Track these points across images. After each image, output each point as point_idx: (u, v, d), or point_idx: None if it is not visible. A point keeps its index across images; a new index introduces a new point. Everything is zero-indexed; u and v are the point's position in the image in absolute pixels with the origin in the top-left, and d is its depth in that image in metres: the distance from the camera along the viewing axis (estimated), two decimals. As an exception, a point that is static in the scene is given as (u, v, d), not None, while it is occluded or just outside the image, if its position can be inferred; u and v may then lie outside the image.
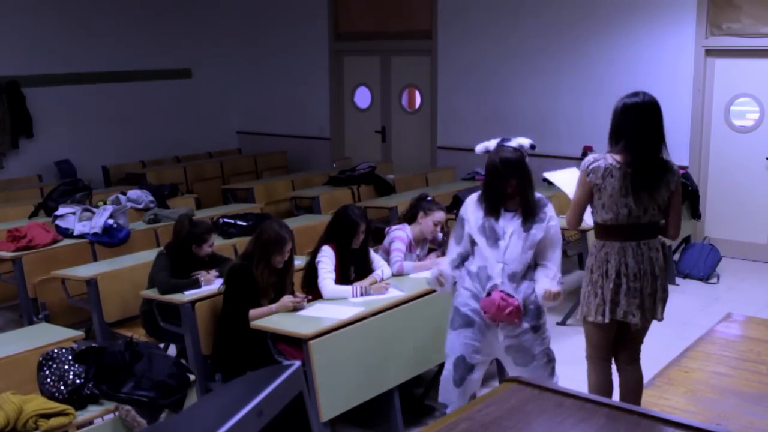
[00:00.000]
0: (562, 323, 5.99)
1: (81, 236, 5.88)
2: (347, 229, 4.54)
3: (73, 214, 6.03)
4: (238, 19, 11.16)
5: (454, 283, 3.76)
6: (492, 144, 3.69)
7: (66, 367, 3.31)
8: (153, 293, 4.62)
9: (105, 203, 6.36)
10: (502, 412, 1.78)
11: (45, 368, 3.32)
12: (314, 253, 4.57)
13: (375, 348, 4.17)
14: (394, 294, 4.41)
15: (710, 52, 7.70)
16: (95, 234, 5.87)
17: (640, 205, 3.53)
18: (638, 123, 3.51)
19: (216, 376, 4.39)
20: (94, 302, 4.94)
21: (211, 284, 4.65)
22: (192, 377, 3.64)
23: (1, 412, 3.05)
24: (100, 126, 9.74)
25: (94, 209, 6.13)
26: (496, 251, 3.58)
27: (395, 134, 10.19)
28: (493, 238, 3.59)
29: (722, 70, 7.70)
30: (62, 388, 3.26)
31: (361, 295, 4.35)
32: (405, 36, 9.76)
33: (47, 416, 3.12)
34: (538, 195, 3.68)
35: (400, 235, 4.89)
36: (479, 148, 3.76)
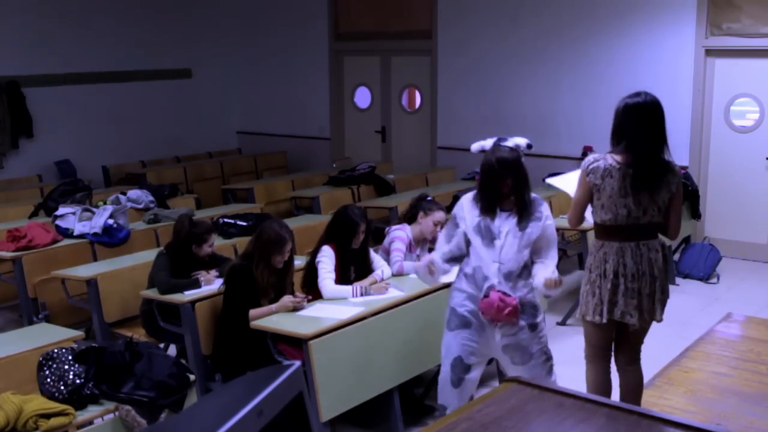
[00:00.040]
0: (562, 323, 5.99)
1: (81, 236, 5.88)
2: (347, 229, 4.54)
3: (73, 214, 6.03)
4: (238, 19, 11.16)
5: (450, 286, 3.76)
6: (488, 143, 3.69)
7: (66, 367, 3.31)
8: (153, 293, 4.62)
9: (105, 203, 6.37)
10: (502, 412, 1.78)
11: (45, 368, 3.32)
12: (314, 253, 4.57)
13: (375, 348, 4.16)
14: (394, 294, 4.41)
15: (710, 52, 7.70)
16: (95, 234, 5.87)
17: (639, 206, 3.53)
18: (640, 123, 3.50)
19: (216, 376, 4.39)
20: (94, 302, 4.94)
21: (211, 284, 4.65)
22: (192, 377, 3.64)
23: (1, 412, 3.05)
24: (100, 126, 9.74)
25: (94, 209, 6.13)
26: (491, 251, 3.58)
27: (395, 134, 10.19)
28: (489, 238, 3.59)
29: (722, 70, 7.70)
30: (62, 388, 3.26)
31: (361, 295, 4.35)
32: (405, 36, 9.76)
33: (47, 416, 3.12)
34: (533, 195, 3.68)
35: (400, 235, 4.89)
36: (475, 147, 3.76)
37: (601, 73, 8.25)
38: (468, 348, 3.69)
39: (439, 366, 3.88)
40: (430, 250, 5.09)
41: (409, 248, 4.93)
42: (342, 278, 4.51)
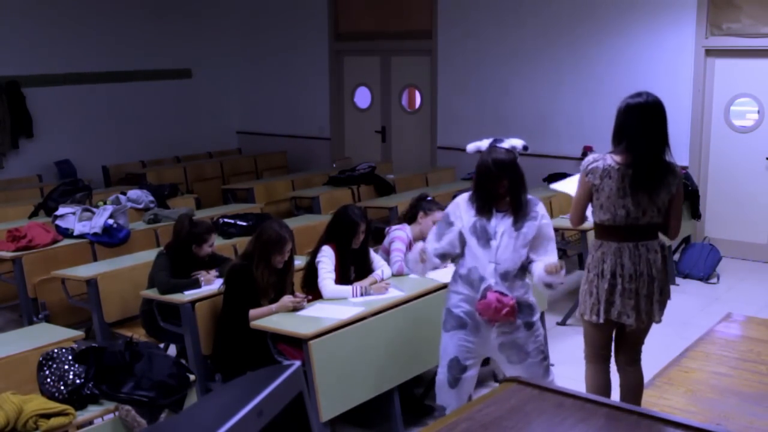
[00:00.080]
0: (562, 323, 5.99)
1: (81, 236, 5.88)
2: (347, 229, 4.54)
3: (73, 214, 6.03)
4: (238, 19, 11.16)
5: (445, 288, 3.75)
6: (484, 144, 3.69)
7: (66, 367, 3.31)
8: (153, 293, 4.62)
9: (105, 203, 6.37)
10: (502, 412, 1.78)
11: (45, 368, 3.32)
12: (314, 253, 4.57)
13: (375, 348, 4.16)
14: (394, 294, 4.41)
15: (710, 52, 7.70)
16: (95, 234, 5.87)
17: (638, 207, 3.52)
18: (640, 123, 3.49)
19: (216, 376, 4.39)
20: (94, 302, 4.94)
21: (211, 284, 4.64)
22: (192, 377, 3.64)
23: (1, 412, 3.05)
24: (100, 126, 9.74)
25: (94, 209, 6.13)
26: (487, 251, 3.58)
27: (395, 134, 10.19)
28: (485, 238, 3.59)
29: (722, 70, 7.70)
30: (62, 388, 3.26)
31: (361, 295, 4.35)
32: (405, 36, 9.76)
33: (47, 416, 3.12)
34: (528, 196, 3.67)
35: (400, 235, 4.89)
36: (470, 147, 3.75)
37: (601, 73, 8.25)
38: (464, 348, 3.70)
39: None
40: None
41: (409, 248, 4.92)
42: (342, 278, 4.51)
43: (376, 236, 5.41)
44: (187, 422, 1.14)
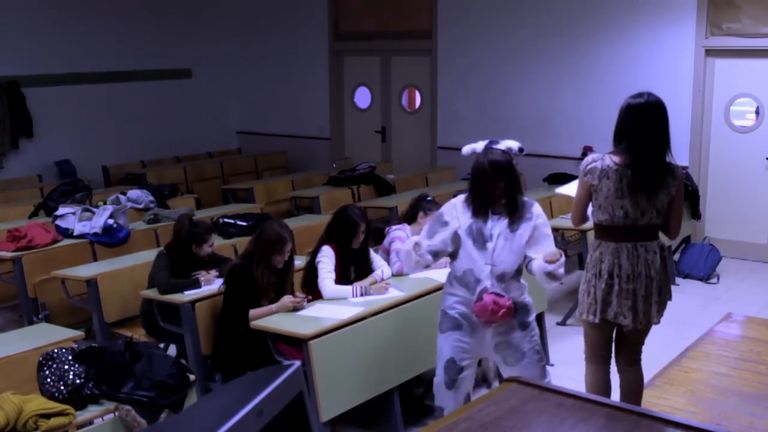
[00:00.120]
0: (562, 323, 5.98)
1: (81, 236, 5.88)
2: (347, 229, 4.54)
3: (73, 214, 6.03)
4: (238, 19, 11.16)
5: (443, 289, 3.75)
6: (479, 146, 3.68)
7: (66, 367, 3.31)
8: (153, 293, 4.62)
9: (105, 203, 6.37)
10: (502, 412, 1.78)
11: (45, 368, 3.32)
12: (314, 253, 4.57)
13: (375, 348, 4.16)
14: (394, 294, 4.41)
15: (710, 52, 7.70)
16: (95, 234, 5.87)
17: (637, 208, 3.51)
18: (641, 124, 3.48)
19: (216, 376, 4.39)
20: (94, 302, 4.94)
21: (211, 284, 4.65)
22: (192, 377, 3.64)
23: (1, 412, 3.05)
24: (100, 126, 9.74)
25: (94, 209, 6.13)
26: (483, 253, 3.58)
27: (395, 134, 10.19)
28: (481, 241, 3.59)
29: (722, 70, 7.70)
30: (62, 388, 3.26)
31: (361, 295, 4.35)
32: (405, 36, 9.76)
33: (47, 416, 3.12)
34: (524, 197, 3.67)
35: (400, 235, 4.89)
36: (466, 149, 3.75)
37: (601, 73, 8.25)
38: (460, 349, 3.70)
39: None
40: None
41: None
42: (342, 278, 4.51)
43: (376, 236, 5.41)
44: (187, 422, 1.14)
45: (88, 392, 3.31)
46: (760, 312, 5.91)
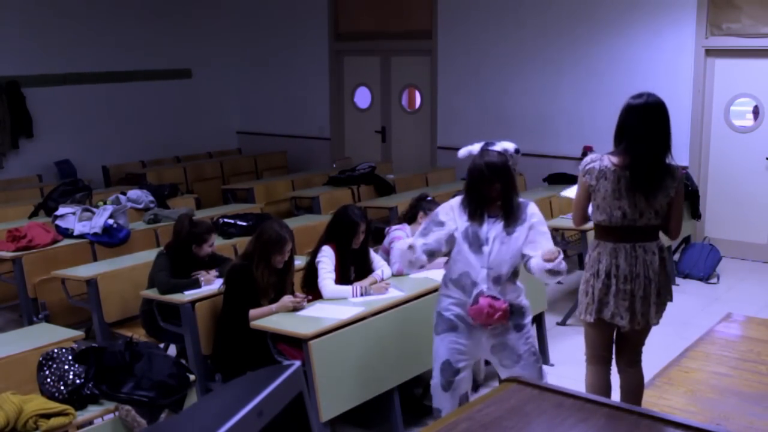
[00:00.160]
0: (562, 323, 5.98)
1: (81, 236, 5.88)
2: (347, 229, 4.54)
3: (73, 214, 6.03)
4: (238, 19, 11.16)
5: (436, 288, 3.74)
6: (476, 148, 3.67)
7: (66, 367, 3.31)
8: (153, 293, 4.62)
9: (105, 203, 6.37)
10: (502, 412, 1.78)
11: (45, 368, 3.32)
12: (314, 253, 4.57)
13: (375, 348, 4.16)
14: (394, 294, 4.41)
15: (710, 52, 7.70)
16: (95, 234, 5.87)
17: (635, 209, 3.51)
18: (641, 125, 3.47)
19: (216, 376, 4.39)
20: (94, 302, 4.94)
21: (211, 284, 4.65)
22: (192, 377, 3.64)
23: (1, 412, 3.05)
24: (100, 126, 9.74)
25: (94, 209, 6.13)
26: (480, 257, 3.57)
27: (395, 134, 10.19)
28: (477, 244, 3.58)
29: (722, 70, 7.70)
30: (62, 388, 3.26)
31: (361, 295, 4.35)
32: (405, 36, 9.76)
33: (47, 416, 3.12)
34: (520, 199, 3.66)
35: (400, 235, 4.89)
36: (462, 152, 3.74)
37: (601, 74, 8.25)
38: (456, 350, 3.69)
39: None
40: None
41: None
42: (342, 278, 4.51)
43: (376, 236, 5.41)
44: (187, 422, 1.14)
45: (88, 392, 3.31)
46: (760, 312, 5.91)
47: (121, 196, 6.70)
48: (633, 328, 3.59)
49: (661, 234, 3.65)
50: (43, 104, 9.14)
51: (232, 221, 5.94)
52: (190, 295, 4.51)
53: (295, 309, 4.21)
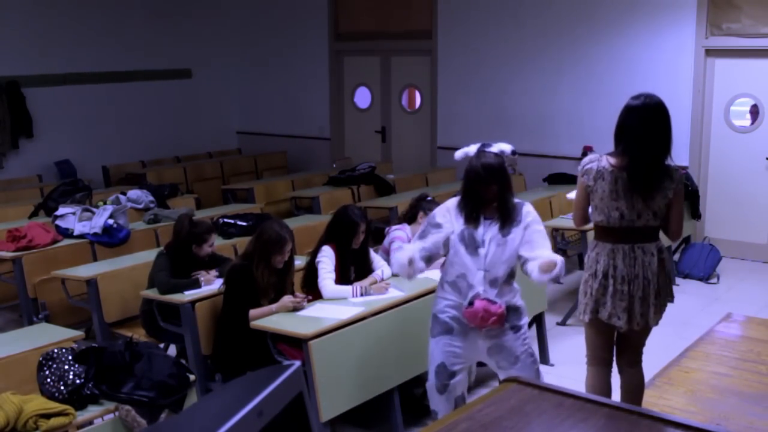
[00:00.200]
0: (562, 323, 5.98)
1: (81, 236, 5.88)
2: (347, 229, 4.54)
3: (73, 214, 6.03)
4: (238, 19, 11.16)
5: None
6: (472, 149, 3.67)
7: (66, 367, 3.31)
8: (153, 293, 4.62)
9: (105, 203, 6.36)
10: (502, 412, 1.78)
11: (45, 368, 3.32)
12: (314, 253, 4.57)
13: (375, 348, 4.16)
14: (394, 294, 4.41)
15: (710, 53, 7.70)
16: (95, 234, 5.87)
17: (633, 210, 3.50)
18: (640, 126, 3.46)
19: (216, 376, 4.39)
20: (94, 302, 4.94)
21: (211, 284, 4.65)
22: (192, 377, 3.64)
23: (1, 412, 3.05)
24: (100, 126, 9.74)
25: (94, 209, 6.13)
26: (476, 259, 3.57)
27: (395, 134, 10.19)
28: (473, 246, 3.57)
29: (722, 70, 7.70)
30: (62, 388, 3.26)
31: (361, 295, 4.35)
32: (405, 36, 9.76)
33: (47, 416, 3.12)
34: (516, 200, 3.66)
35: (400, 235, 4.89)
36: (458, 154, 3.74)
37: (601, 73, 8.25)
38: (451, 354, 3.68)
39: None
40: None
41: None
42: (342, 278, 4.51)
43: (376, 236, 5.41)
44: (187, 422, 1.14)
45: (88, 392, 3.31)
46: (760, 312, 5.91)
47: (121, 196, 6.70)
48: (632, 329, 3.58)
49: (661, 234, 3.64)
50: (43, 104, 9.14)
51: (232, 221, 5.94)
52: (190, 295, 4.51)
53: (295, 309, 4.22)
